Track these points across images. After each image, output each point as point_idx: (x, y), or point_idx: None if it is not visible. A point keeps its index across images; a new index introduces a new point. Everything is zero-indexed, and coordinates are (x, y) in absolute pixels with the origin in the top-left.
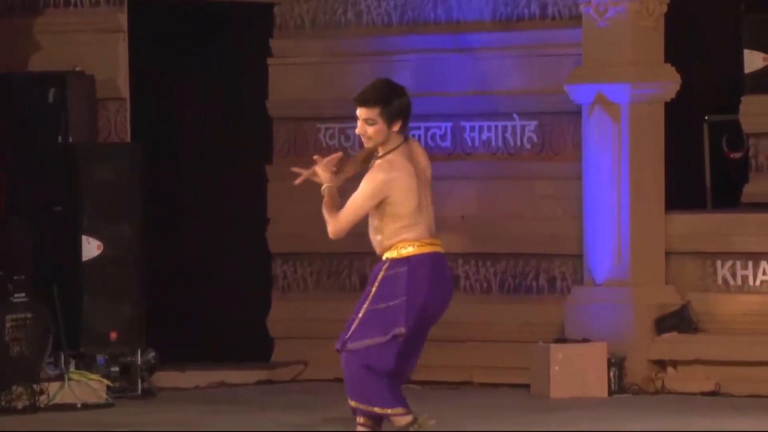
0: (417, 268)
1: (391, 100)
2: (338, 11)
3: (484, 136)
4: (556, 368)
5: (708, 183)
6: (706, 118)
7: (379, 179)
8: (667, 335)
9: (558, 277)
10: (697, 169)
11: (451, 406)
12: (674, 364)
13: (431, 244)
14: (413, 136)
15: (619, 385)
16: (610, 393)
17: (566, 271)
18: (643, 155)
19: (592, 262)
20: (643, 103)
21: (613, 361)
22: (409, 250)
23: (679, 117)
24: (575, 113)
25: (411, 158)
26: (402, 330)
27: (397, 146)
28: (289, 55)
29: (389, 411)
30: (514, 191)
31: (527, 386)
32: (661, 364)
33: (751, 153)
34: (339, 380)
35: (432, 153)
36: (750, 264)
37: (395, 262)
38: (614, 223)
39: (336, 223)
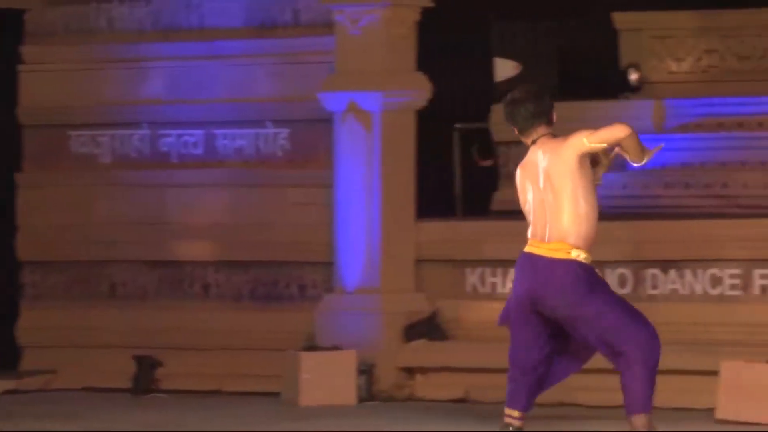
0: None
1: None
2: (90, 18)
3: (237, 144)
4: (306, 376)
5: (458, 191)
6: (457, 126)
7: None
8: (416, 343)
9: (309, 284)
10: (448, 177)
11: (201, 415)
12: (423, 371)
13: (529, 245)
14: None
15: (369, 392)
16: (360, 400)
17: (317, 279)
18: (394, 163)
19: (343, 269)
20: (394, 111)
21: (362, 368)
22: None
23: (431, 125)
24: (328, 121)
25: (530, 160)
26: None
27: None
28: (40, 61)
29: (505, 409)
30: (266, 199)
31: (277, 394)
32: (410, 372)
33: (500, 161)
34: (88, 389)
35: (184, 161)
36: (499, 271)
37: None
38: (365, 231)
39: None
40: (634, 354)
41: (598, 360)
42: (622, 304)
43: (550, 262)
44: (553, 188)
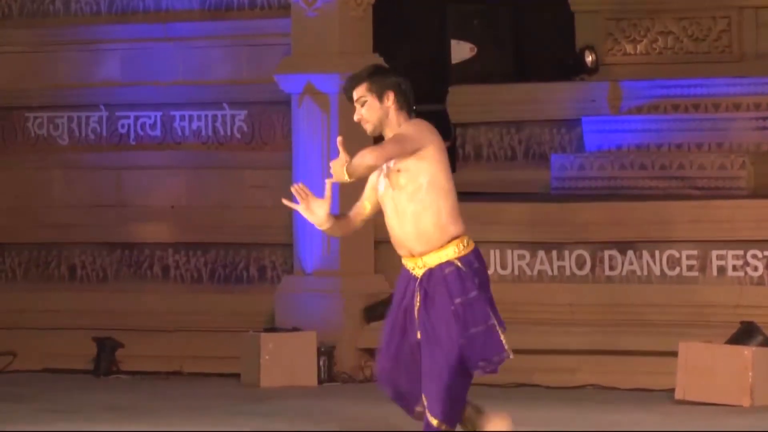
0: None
1: (374, 74)
2: (46, 0)
3: (194, 126)
4: (267, 357)
5: None
6: (414, 107)
7: (420, 125)
8: (375, 324)
9: (268, 266)
10: None
11: (161, 396)
12: None
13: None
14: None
15: (329, 373)
16: (320, 382)
17: (276, 261)
18: (351, 145)
19: (302, 251)
20: None
21: (322, 349)
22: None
23: None
24: (285, 103)
25: None
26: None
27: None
28: None
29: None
30: (224, 181)
31: (238, 376)
32: (370, 353)
33: (458, 143)
34: (48, 371)
35: (142, 142)
36: None
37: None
38: None
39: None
40: None
41: (554, 341)
42: None
43: None
44: None
